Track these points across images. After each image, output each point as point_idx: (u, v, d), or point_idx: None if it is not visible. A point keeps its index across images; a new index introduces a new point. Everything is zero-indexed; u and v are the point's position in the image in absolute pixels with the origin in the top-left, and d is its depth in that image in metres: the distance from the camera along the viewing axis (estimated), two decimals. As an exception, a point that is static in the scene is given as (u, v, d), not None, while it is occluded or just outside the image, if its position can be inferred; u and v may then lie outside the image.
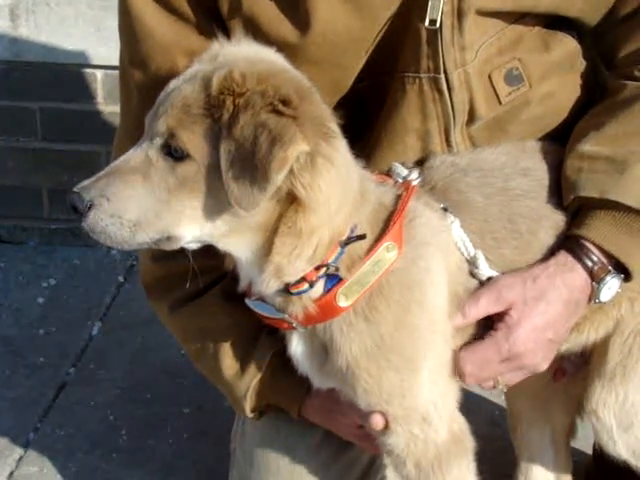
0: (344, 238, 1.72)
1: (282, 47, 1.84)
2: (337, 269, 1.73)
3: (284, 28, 1.84)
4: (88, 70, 3.59)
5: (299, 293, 1.73)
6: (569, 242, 1.89)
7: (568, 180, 1.89)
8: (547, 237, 1.89)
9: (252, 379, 1.98)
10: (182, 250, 1.96)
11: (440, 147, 1.93)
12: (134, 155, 1.65)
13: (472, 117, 1.93)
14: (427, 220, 1.81)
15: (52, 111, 3.66)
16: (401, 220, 1.76)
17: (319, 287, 1.74)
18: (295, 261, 1.70)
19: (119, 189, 1.63)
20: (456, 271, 1.84)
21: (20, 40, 3.55)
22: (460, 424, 1.90)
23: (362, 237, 1.73)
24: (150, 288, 2.11)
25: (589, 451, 2.63)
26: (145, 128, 1.68)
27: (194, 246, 1.73)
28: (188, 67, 1.75)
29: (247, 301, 1.82)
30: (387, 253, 1.74)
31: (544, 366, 1.93)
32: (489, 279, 1.85)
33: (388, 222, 1.76)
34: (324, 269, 1.72)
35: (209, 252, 1.85)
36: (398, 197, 1.80)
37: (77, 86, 3.61)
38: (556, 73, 1.98)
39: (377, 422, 1.83)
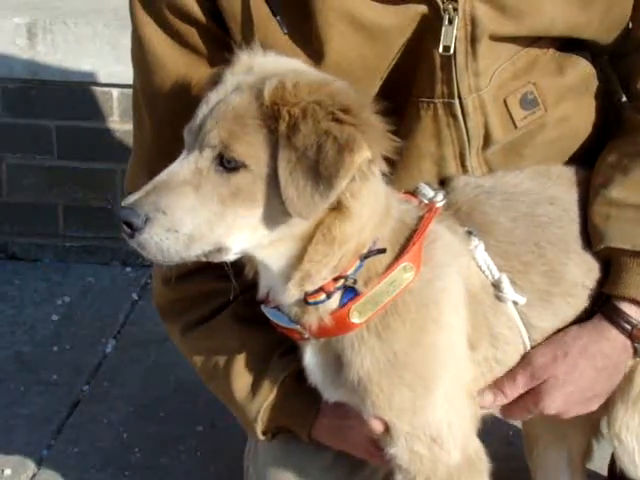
0: (365, 251, 1.72)
1: None
2: (355, 282, 1.73)
3: (299, 59, 1.85)
4: (104, 89, 3.61)
5: (316, 303, 1.73)
6: (604, 306, 1.88)
7: (596, 228, 1.88)
8: (578, 273, 1.87)
9: (263, 402, 1.98)
10: (194, 272, 1.98)
11: (456, 172, 1.93)
12: (182, 168, 1.64)
13: (487, 142, 1.93)
14: (448, 243, 1.80)
15: (68, 129, 3.68)
16: (421, 241, 1.76)
17: (335, 299, 1.74)
18: (322, 269, 1.70)
19: (174, 202, 1.61)
20: (481, 294, 1.83)
21: (37, 59, 3.58)
22: (476, 446, 1.88)
23: (382, 251, 1.73)
24: (163, 310, 2.12)
25: (604, 473, 2.62)
26: (186, 141, 1.67)
27: (234, 257, 1.72)
28: (215, 77, 1.75)
29: (263, 308, 1.82)
30: (404, 274, 1.74)
31: (593, 409, 1.96)
32: (515, 303, 1.84)
33: (408, 241, 1.76)
34: (342, 280, 1.72)
35: (220, 274, 1.85)
36: (420, 218, 1.80)
37: (93, 104, 3.63)
38: (571, 96, 1.98)
39: (376, 426, 1.82)
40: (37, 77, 3.60)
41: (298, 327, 1.77)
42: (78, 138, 3.69)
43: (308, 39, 1.84)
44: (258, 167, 1.61)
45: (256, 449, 2.20)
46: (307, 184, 1.58)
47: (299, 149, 1.58)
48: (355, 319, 1.74)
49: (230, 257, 1.69)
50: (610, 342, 1.86)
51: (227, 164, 1.62)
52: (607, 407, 2.02)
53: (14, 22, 3.56)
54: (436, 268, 1.78)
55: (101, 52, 3.52)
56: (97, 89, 3.61)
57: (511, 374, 1.88)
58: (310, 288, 1.72)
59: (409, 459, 1.83)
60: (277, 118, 1.60)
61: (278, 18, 1.82)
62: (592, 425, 2.23)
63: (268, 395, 1.97)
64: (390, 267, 1.73)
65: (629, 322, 1.85)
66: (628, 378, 1.96)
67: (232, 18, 1.87)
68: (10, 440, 2.92)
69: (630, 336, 1.86)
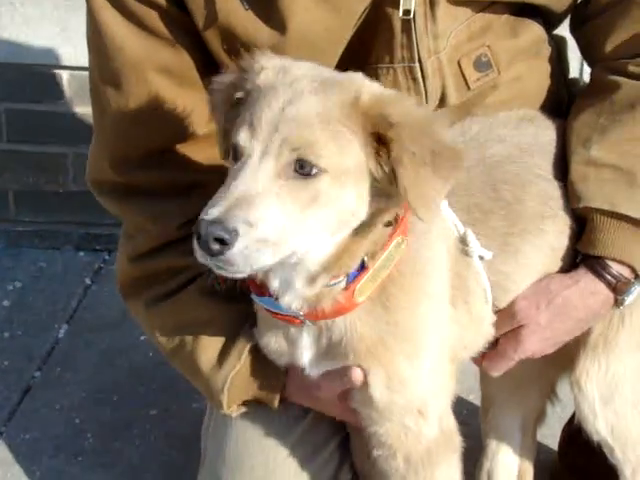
0: None
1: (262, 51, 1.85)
2: (366, 255, 1.74)
3: (262, 34, 1.85)
4: (54, 71, 3.56)
5: (335, 284, 1.73)
6: (590, 260, 1.91)
7: (575, 186, 1.91)
8: (536, 205, 1.90)
9: (230, 370, 1.95)
10: (161, 249, 1.98)
11: None
12: (258, 176, 1.59)
13: (442, 102, 1.96)
14: None
15: (18, 112, 3.63)
16: (408, 212, 1.77)
17: (345, 277, 1.75)
18: (357, 259, 1.72)
19: (260, 213, 1.56)
20: (455, 250, 1.86)
21: (-15, 40, 3.52)
22: (450, 421, 1.91)
23: (389, 224, 1.74)
24: (126, 288, 2.09)
25: (555, 448, 2.65)
26: (249, 148, 1.60)
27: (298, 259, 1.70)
28: (224, 80, 1.73)
29: (255, 298, 1.81)
30: (398, 248, 1.76)
31: (565, 339, 1.97)
32: (481, 258, 1.87)
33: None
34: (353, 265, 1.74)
35: (187, 250, 1.83)
36: None
37: (43, 87, 3.58)
38: (523, 58, 2.01)
39: (357, 376, 1.81)
40: (-16, 59, 3.55)
41: (300, 314, 1.76)
42: (28, 121, 3.64)
43: (270, 14, 1.84)
44: (337, 171, 1.60)
45: (215, 427, 2.18)
46: (429, 187, 1.60)
47: (416, 155, 1.59)
48: (359, 298, 1.75)
49: (296, 259, 1.68)
50: (595, 295, 1.90)
51: (302, 169, 1.59)
52: (563, 365, 2.05)
53: (-40, 3, 3.50)
54: (420, 236, 1.80)
55: (50, 34, 3.47)
56: (47, 71, 3.56)
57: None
58: (339, 273, 1.73)
59: (397, 434, 1.85)
60: (377, 127, 1.60)
61: None
62: (548, 386, 2.27)
63: (235, 364, 1.95)
64: (387, 242, 1.75)
65: (614, 276, 1.89)
66: None
67: None
68: (-40, 427, 2.89)
69: (614, 289, 1.90)
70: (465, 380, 2.02)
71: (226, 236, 1.54)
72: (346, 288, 1.74)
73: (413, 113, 1.63)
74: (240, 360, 1.95)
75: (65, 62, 3.49)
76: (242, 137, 1.61)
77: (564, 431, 2.58)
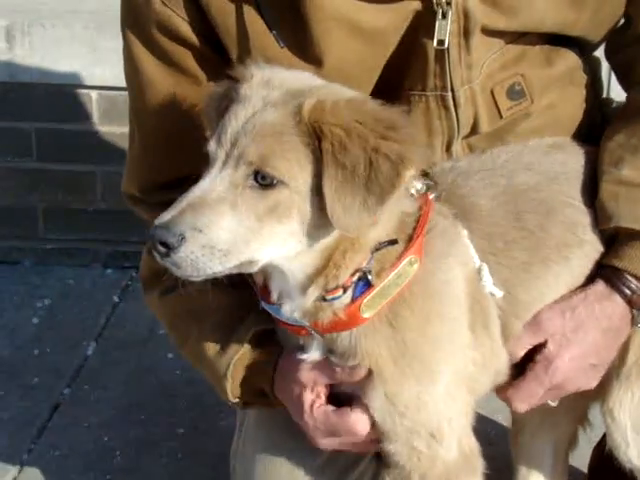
0: (377, 244, 1.75)
1: None
2: (369, 272, 1.74)
3: (298, 69, 1.86)
4: (83, 91, 3.60)
5: (333, 299, 1.74)
6: (607, 271, 1.90)
7: (605, 206, 1.90)
8: (560, 232, 1.89)
9: (233, 356, 1.95)
10: None
11: (441, 158, 1.96)
12: (215, 184, 1.63)
13: (474, 130, 1.97)
14: (443, 230, 1.82)
15: (47, 131, 3.67)
16: (423, 233, 1.78)
17: (349, 293, 1.75)
18: (346, 271, 1.73)
19: (210, 220, 1.60)
20: (475, 279, 1.85)
21: (15, 61, 3.56)
22: (471, 443, 1.89)
23: (394, 242, 1.75)
24: (145, 280, 2.13)
25: (585, 469, 2.63)
26: (214, 156, 1.65)
27: (260, 268, 1.72)
28: (223, 91, 1.74)
29: (266, 306, 1.82)
30: (410, 266, 1.76)
31: (593, 384, 1.96)
32: (492, 295, 1.86)
33: (412, 233, 1.78)
34: (358, 274, 1.74)
35: None
36: (418, 208, 1.81)
37: (72, 106, 3.62)
38: (557, 86, 2.01)
39: (360, 371, 1.81)
40: (16, 80, 3.58)
41: (306, 324, 1.77)
42: (57, 140, 3.68)
43: (305, 49, 1.87)
44: (295, 183, 1.62)
45: (244, 448, 2.19)
46: (355, 201, 1.60)
47: (347, 167, 1.60)
48: (365, 314, 1.75)
49: (257, 268, 1.71)
50: (612, 304, 1.89)
51: (263, 180, 1.62)
52: (595, 391, 2.02)
53: (-8, 25, 3.55)
54: (437, 259, 1.80)
55: (79, 54, 3.51)
56: (76, 91, 3.60)
57: (518, 335, 1.89)
58: (331, 287, 1.74)
59: (408, 455, 1.84)
60: (318, 136, 1.61)
61: (274, 32, 1.85)
62: (580, 412, 2.25)
63: (238, 350, 1.94)
64: (399, 259, 1.75)
65: (630, 288, 1.89)
66: (621, 354, 1.98)
67: (227, 34, 1.89)
68: (-10, 444, 2.91)
69: (630, 302, 1.89)
70: (492, 400, 2.00)
71: (170, 240, 1.59)
72: (352, 302, 1.75)
73: (353, 116, 1.62)
74: (243, 346, 1.94)
75: (94, 82, 3.53)
76: (211, 146, 1.66)
77: (594, 453, 2.56)
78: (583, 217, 1.91)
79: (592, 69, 2.10)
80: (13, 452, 2.88)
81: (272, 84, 1.69)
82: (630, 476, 2.06)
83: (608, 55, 2.09)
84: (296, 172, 1.62)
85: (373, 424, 1.85)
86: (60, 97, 3.60)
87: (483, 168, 1.91)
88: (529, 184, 1.90)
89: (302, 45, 1.86)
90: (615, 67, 2.09)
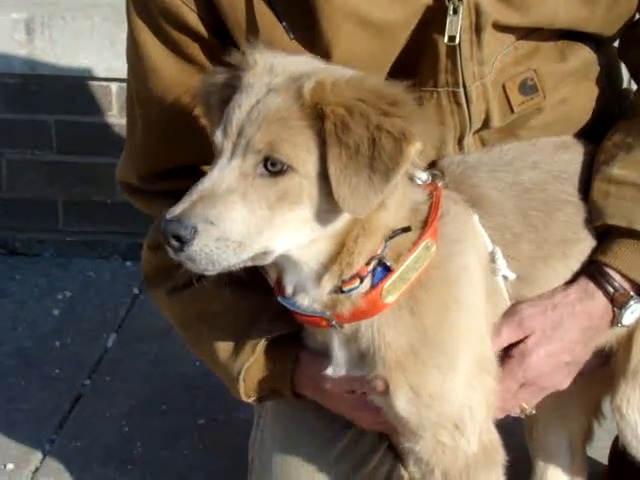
0: (390, 232, 1.74)
1: None
2: (385, 258, 1.74)
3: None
4: (103, 83, 3.61)
5: (351, 290, 1.74)
6: (591, 268, 1.91)
7: (595, 204, 1.90)
8: (561, 230, 1.90)
9: (244, 362, 1.96)
10: None
11: (453, 151, 1.96)
12: (225, 175, 1.61)
13: (486, 125, 1.96)
14: (455, 215, 1.82)
15: (67, 124, 3.68)
16: (437, 218, 1.78)
17: (367, 281, 1.75)
18: (359, 258, 1.72)
19: (222, 212, 1.58)
20: (486, 267, 1.85)
21: (35, 54, 3.57)
22: (491, 435, 1.88)
23: (407, 229, 1.75)
24: (149, 277, 2.13)
25: (605, 461, 2.62)
26: (221, 147, 1.64)
27: (274, 258, 1.71)
28: (222, 79, 1.72)
29: (282, 301, 1.81)
30: (427, 250, 1.76)
31: (566, 384, 1.95)
32: (505, 278, 1.86)
33: (426, 219, 1.78)
34: (374, 262, 1.73)
35: None
36: (429, 196, 1.81)
37: (92, 99, 3.63)
38: (570, 81, 2.00)
39: (378, 385, 1.81)
40: (36, 72, 3.60)
41: (327, 313, 1.76)
42: (77, 133, 3.69)
43: (314, 41, 1.86)
44: (304, 168, 1.61)
45: (262, 440, 2.20)
46: (360, 181, 1.58)
47: (350, 147, 1.58)
48: (387, 299, 1.75)
49: (272, 258, 1.69)
50: (594, 302, 1.88)
51: (272, 168, 1.61)
52: (607, 384, 2.03)
53: (12, 17, 3.56)
54: (453, 244, 1.80)
55: (99, 47, 3.52)
56: (96, 84, 3.61)
57: (497, 327, 1.88)
58: (347, 276, 1.73)
59: (433, 449, 1.84)
60: (321, 117, 1.60)
61: (284, 24, 1.84)
62: (592, 405, 2.25)
63: (249, 356, 1.95)
64: (415, 244, 1.75)
65: (613, 286, 1.88)
66: (626, 351, 1.97)
67: (236, 25, 1.89)
68: (12, 435, 2.93)
69: (612, 300, 1.88)
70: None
71: (183, 233, 1.57)
72: (373, 288, 1.74)
73: (354, 94, 1.61)
74: (254, 353, 1.94)
75: (114, 74, 3.54)
76: (217, 137, 1.64)
77: (614, 445, 2.55)
78: (582, 215, 1.92)
79: (609, 61, 2.08)
80: (35, 443, 2.90)
81: (275, 70, 1.67)
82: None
83: (620, 52, 2.07)
84: (304, 156, 1.61)
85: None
86: (80, 90, 3.62)
87: (491, 163, 1.92)
88: (534, 182, 1.90)
89: (311, 37, 1.85)
90: (627, 64, 2.08)
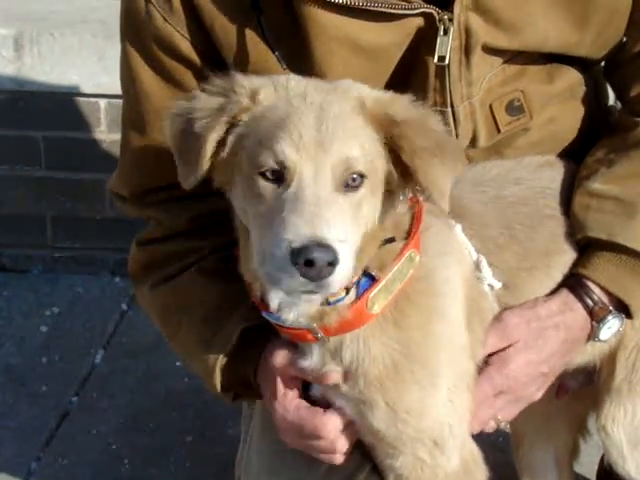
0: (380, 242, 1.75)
1: None
2: (369, 268, 1.74)
3: None
4: (91, 99, 3.61)
5: (337, 302, 1.74)
6: (572, 280, 1.92)
7: (576, 217, 1.92)
8: (544, 243, 1.91)
9: (221, 352, 1.93)
10: (168, 236, 2.03)
11: None
12: (322, 196, 1.59)
13: (473, 144, 1.98)
14: (439, 229, 1.84)
15: (56, 140, 3.68)
16: (420, 229, 1.79)
17: (352, 292, 1.75)
18: (359, 268, 1.72)
19: (345, 229, 1.58)
20: (470, 277, 1.86)
21: (24, 70, 3.58)
22: (472, 451, 1.88)
23: (392, 240, 1.76)
24: (136, 275, 2.12)
25: (593, 477, 2.62)
26: (299, 164, 1.60)
27: None
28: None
29: (266, 315, 1.81)
30: (410, 262, 1.77)
31: (538, 395, 1.95)
32: (490, 287, 1.87)
33: (409, 231, 1.79)
34: (360, 272, 1.74)
35: (192, 237, 1.92)
36: (409, 207, 1.82)
37: (80, 115, 3.63)
38: (557, 102, 2.01)
39: (332, 377, 1.80)
40: (24, 88, 3.60)
41: (313, 326, 1.75)
42: (66, 149, 3.69)
43: (307, 70, 1.86)
44: (373, 177, 1.65)
45: (249, 459, 2.19)
46: (440, 169, 1.65)
47: (425, 144, 1.64)
48: (373, 309, 1.75)
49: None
50: (574, 314, 1.89)
51: (356, 181, 1.62)
52: (591, 402, 2.03)
53: (0, 34, 3.56)
54: (437, 257, 1.81)
55: (88, 63, 3.52)
56: (84, 100, 3.61)
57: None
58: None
59: (412, 465, 1.83)
60: (386, 126, 1.65)
61: (277, 53, 1.86)
62: (577, 422, 2.25)
63: (226, 345, 1.93)
64: (399, 255, 1.76)
65: (592, 299, 1.89)
66: (610, 369, 1.98)
67: (230, 54, 1.90)
68: (-1, 452, 2.92)
69: (591, 313, 1.89)
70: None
71: (331, 258, 1.54)
72: (358, 299, 1.74)
73: (412, 110, 1.68)
74: (231, 340, 1.92)
75: (102, 90, 3.54)
76: (289, 160, 1.60)
77: (602, 461, 2.56)
78: (564, 228, 1.93)
79: (596, 80, 2.10)
80: (21, 460, 2.89)
81: (294, 89, 1.68)
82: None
83: (606, 73, 2.09)
84: (373, 165, 1.65)
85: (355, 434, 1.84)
86: (68, 106, 3.62)
87: (474, 178, 1.94)
88: (517, 197, 1.93)
89: (304, 66, 1.86)
90: (612, 85, 2.10)
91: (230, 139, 1.67)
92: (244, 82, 1.70)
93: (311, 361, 1.82)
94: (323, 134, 1.61)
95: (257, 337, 1.91)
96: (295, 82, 1.71)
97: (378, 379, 1.77)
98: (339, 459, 1.90)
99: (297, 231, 1.54)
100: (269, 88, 1.69)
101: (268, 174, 1.62)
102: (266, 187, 1.62)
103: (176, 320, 2.02)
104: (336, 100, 1.66)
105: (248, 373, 1.95)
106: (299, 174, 1.59)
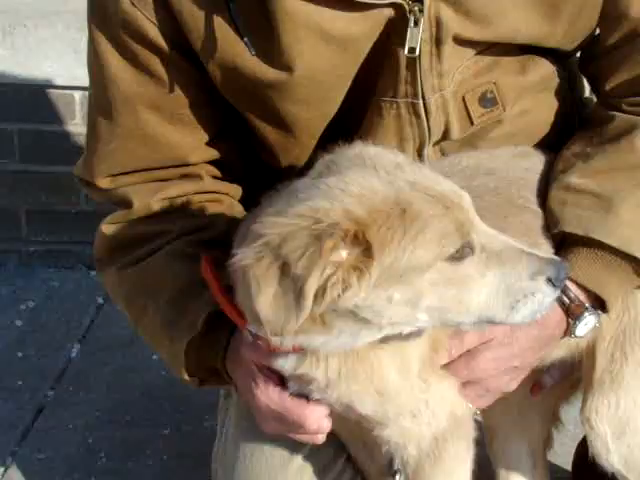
0: None
1: (269, 90, 1.88)
2: None
3: (268, 75, 1.87)
4: (66, 92, 3.59)
5: None
6: None
7: (552, 212, 1.91)
8: (518, 235, 1.85)
9: (188, 333, 1.90)
10: (135, 219, 2.01)
11: None
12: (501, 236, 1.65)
13: (445, 136, 1.97)
14: None
15: (30, 133, 3.65)
16: None
17: None
18: None
19: None
20: None
21: (-2, 62, 3.55)
22: (463, 409, 1.88)
23: None
24: (102, 256, 2.08)
25: (569, 467, 2.64)
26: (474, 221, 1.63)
27: None
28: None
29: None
30: None
31: (512, 387, 1.94)
32: None
33: None
34: None
35: (161, 219, 1.93)
36: None
37: (55, 107, 3.61)
38: (530, 93, 2.00)
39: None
40: (-2, 80, 3.57)
41: None
42: (40, 141, 3.66)
43: (275, 57, 1.86)
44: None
45: (225, 451, 2.19)
46: None
47: None
48: None
49: None
50: (549, 312, 1.84)
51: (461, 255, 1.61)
52: (564, 393, 2.05)
53: (-27, 25, 3.53)
54: None
55: (62, 55, 3.50)
56: (58, 92, 3.59)
57: (460, 334, 1.86)
58: None
59: (400, 434, 1.85)
60: None
61: (245, 40, 1.84)
62: (550, 414, 2.25)
63: (192, 329, 1.90)
64: None
65: (568, 296, 1.88)
66: (590, 362, 1.98)
67: (197, 39, 1.88)
68: (-26, 447, 2.90)
69: (567, 311, 1.88)
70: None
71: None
72: None
73: None
74: (197, 326, 1.89)
75: (77, 82, 3.51)
76: (446, 220, 1.58)
77: (577, 451, 2.57)
78: (539, 221, 1.92)
79: (570, 72, 2.10)
80: (-3, 455, 2.88)
81: (400, 163, 1.65)
82: (612, 477, 2.07)
83: (580, 66, 2.09)
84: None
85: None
86: (43, 98, 3.59)
87: (442, 170, 1.90)
88: (488, 187, 1.91)
89: (272, 53, 1.85)
90: (587, 79, 2.10)
91: None
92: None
93: (285, 363, 1.78)
94: (460, 205, 1.62)
95: (222, 322, 1.89)
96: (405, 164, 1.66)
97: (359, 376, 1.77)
98: (321, 439, 1.89)
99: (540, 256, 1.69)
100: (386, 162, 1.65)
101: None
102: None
103: (142, 303, 2.00)
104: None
105: (214, 360, 1.93)
106: (474, 220, 1.63)
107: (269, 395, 1.84)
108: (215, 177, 2.06)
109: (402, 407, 1.83)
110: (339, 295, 1.52)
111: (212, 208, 2.04)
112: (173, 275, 1.96)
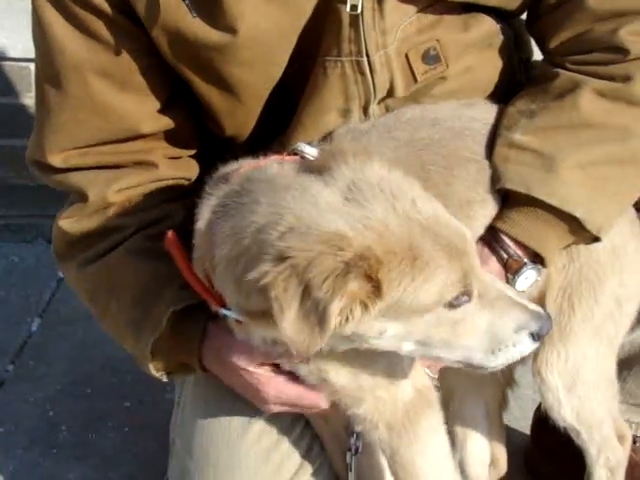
0: None
1: (213, 53, 1.87)
2: None
3: (212, 37, 1.86)
4: (22, 64, 3.54)
5: None
6: (488, 234, 1.94)
7: (495, 168, 1.93)
8: (464, 190, 1.91)
9: (152, 334, 1.92)
10: (93, 211, 2.00)
11: (359, 120, 1.97)
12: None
13: (390, 94, 1.98)
14: None
15: (-14, 106, 3.61)
16: None
17: None
18: None
19: None
20: None
21: (-49, 33, 3.50)
22: (424, 381, 1.92)
23: None
24: (61, 253, 2.09)
25: (527, 431, 2.67)
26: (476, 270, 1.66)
27: None
28: None
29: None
30: None
31: None
32: None
33: None
34: None
35: (119, 213, 1.93)
36: None
37: (10, 80, 3.56)
38: (473, 51, 2.02)
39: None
40: (-49, 52, 3.52)
41: None
42: (-3, 115, 3.62)
43: (218, 18, 1.85)
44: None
45: (182, 421, 2.19)
46: None
47: None
48: None
49: None
50: (488, 267, 1.91)
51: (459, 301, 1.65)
52: None
53: None
54: None
55: (17, 26, 3.44)
56: (14, 64, 3.54)
57: None
58: None
59: (375, 408, 1.87)
60: None
61: (187, 2, 1.84)
62: (505, 375, 2.28)
63: (157, 327, 1.91)
64: None
65: (507, 252, 1.91)
66: None
67: (139, 3, 1.87)
68: None
69: (505, 266, 1.92)
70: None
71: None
72: None
73: None
74: (162, 323, 1.91)
75: (33, 55, 3.44)
76: (450, 257, 1.61)
77: (535, 414, 2.60)
78: (486, 175, 1.92)
79: (516, 32, 2.11)
80: (-43, 430, 2.86)
81: (414, 199, 1.66)
82: (567, 435, 2.09)
83: (527, 26, 2.10)
84: None
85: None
86: (-2, 70, 3.55)
87: (385, 125, 1.92)
88: (433, 138, 1.91)
89: (214, 14, 1.84)
90: (533, 38, 2.11)
91: None
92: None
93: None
94: (463, 245, 1.66)
95: (190, 321, 1.91)
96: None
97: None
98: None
99: (530, 307, 1.74)
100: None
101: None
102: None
103: (105, 301, 2.00)
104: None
105: (188, 359, 1.95)
106: (474, 269, 1.67)
107: (277, 388, 1.89)
108: (170, 158, 2.04)
109: (377, 375, 1.85)
110: (341, 323, 1.57)
111: (169, 197, 2.03)
112: (134, 273, 1.96)
